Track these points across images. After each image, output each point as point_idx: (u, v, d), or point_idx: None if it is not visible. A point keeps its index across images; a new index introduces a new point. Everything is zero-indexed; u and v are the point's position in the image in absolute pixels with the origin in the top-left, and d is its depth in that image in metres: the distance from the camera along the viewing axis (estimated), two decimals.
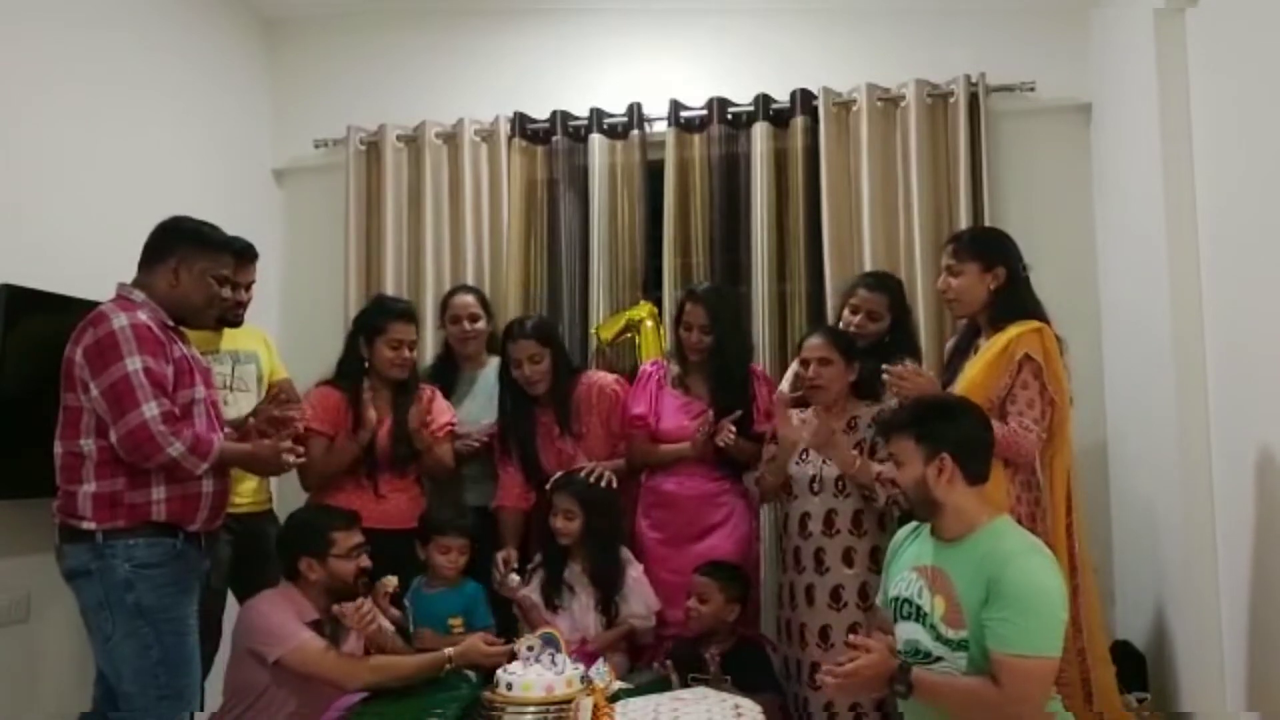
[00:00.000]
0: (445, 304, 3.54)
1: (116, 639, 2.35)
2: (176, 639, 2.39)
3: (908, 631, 2.21)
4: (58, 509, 2.41)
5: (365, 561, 2.69)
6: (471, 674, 2.69)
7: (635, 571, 3.00)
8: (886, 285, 3.18)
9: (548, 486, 3.05)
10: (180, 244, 2.50)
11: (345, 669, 2.54)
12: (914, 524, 2.37)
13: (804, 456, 2.92)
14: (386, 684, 2.55)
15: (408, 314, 3.23)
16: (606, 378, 3.33)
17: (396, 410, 3.14)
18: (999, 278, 2.62)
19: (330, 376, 3.21)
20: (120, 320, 2.36)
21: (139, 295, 2.46)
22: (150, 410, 2.32)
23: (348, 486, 3.08)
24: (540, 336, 3.15)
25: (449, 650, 2.61)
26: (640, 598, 2.98)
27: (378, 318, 3.19)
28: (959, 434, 2.19)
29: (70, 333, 2.41)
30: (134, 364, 2.33)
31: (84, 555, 2.36)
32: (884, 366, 2.70)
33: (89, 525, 2.35)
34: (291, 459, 2.58)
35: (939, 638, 2.13)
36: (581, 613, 2.96)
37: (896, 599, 2.26)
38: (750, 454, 3.08)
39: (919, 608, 2.19)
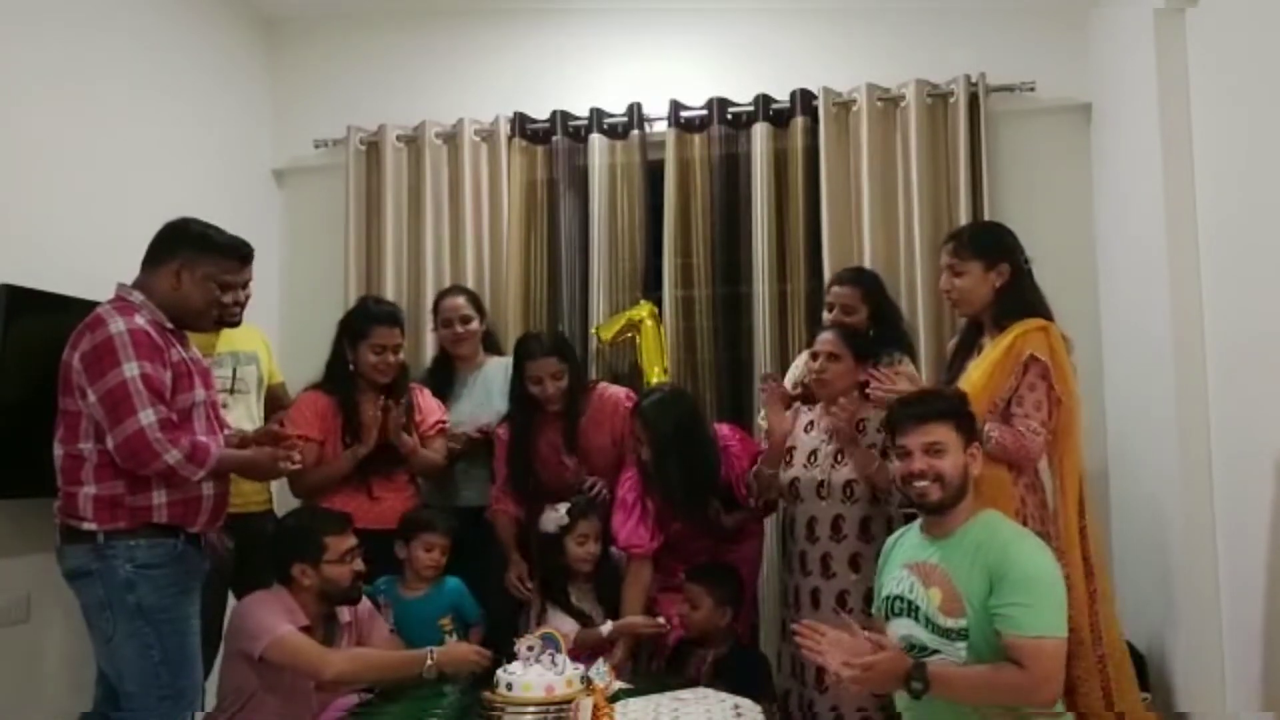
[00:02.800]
0: (436, 307, 3.52)
1: (118, 639, 2.34)
2: (178, 639, 2.38)
3: (902, 628, 2.22)
4: (59, 509, 2.40)
5: (360, 566, 2.67)
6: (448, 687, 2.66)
7: None
8: (859, 279, 3.17)
9: (566, 513, 3.01)
10: (184, 247, 2.48)
11: (321, 657, 2.50)
12: (900, 530, 2.39)
13: (811, 460, 2.89)
14: (364, 676, 2.52)
15: (390, 318, 3.17)
16: (619, 392, 3.27)
17: (384, 413, 3.10)
18: (1003, 274, 2.57)
19: (318, 380, 3.18)
20: (118, 325, 2.33)
21: (138, 297, 2.44)
22: (147, 417, 2.30)
23: (341, 489, 3.07)
24: (560, 353, 3.10)
25: (431, 650, 2.58)
26: None
27: (360, 322, 3.16)
28: (975, 425, 2.26)
29: (70, 333, 2.40)
30: (131, 370, 2.30)
31: (85, 556, 2.35)
32: (869, 370, 2.69)
33: (90, 526, 2.34)
34: (288, 466, 2.58)
35: (935, 629, 2.13)
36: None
37: (888, 598, 2.28)
38: (738, 520, 3.06)
39: (911, 602, 2.20)
